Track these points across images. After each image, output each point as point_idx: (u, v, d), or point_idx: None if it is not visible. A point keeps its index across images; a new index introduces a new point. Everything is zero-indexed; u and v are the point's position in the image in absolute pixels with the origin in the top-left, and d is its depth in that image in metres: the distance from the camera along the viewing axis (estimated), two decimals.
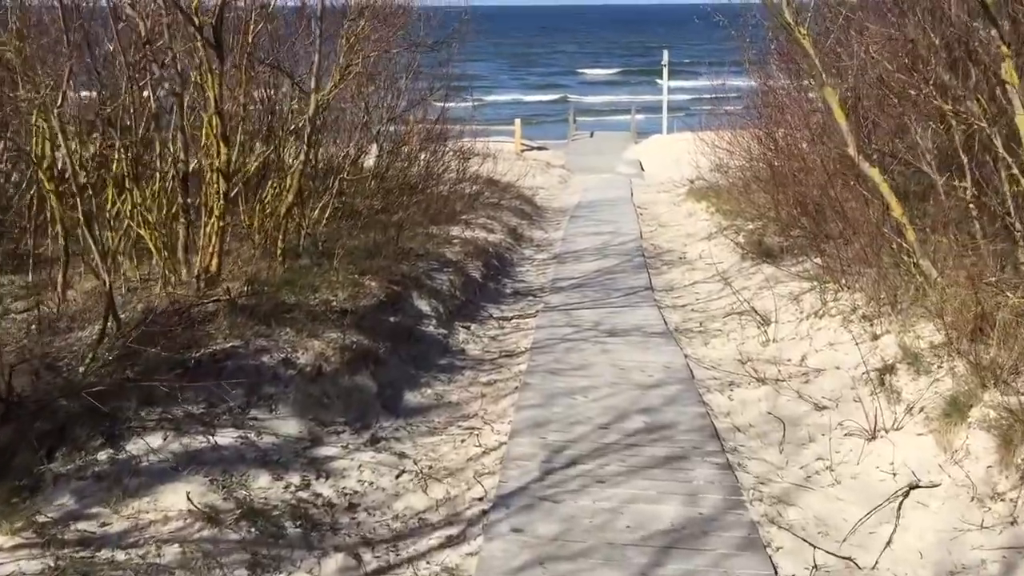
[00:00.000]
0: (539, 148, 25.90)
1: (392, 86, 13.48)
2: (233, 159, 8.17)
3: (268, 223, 8.21)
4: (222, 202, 7.05)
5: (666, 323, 9.10)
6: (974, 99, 6.97)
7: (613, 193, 19.12)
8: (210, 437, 5.03)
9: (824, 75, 7.43)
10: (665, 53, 28.31)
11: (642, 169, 23.15)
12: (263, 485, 4.80)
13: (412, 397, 6.66)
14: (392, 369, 6.83)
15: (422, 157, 14.55)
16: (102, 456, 4.65)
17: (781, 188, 12.30)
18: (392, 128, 13.63)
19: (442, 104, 15.05)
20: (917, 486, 4.99)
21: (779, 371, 7.18)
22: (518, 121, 25.45)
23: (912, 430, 5.60)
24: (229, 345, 5.97)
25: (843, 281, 8.57)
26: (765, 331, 8.29)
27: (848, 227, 9.01)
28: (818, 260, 9.49)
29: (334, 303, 7.12)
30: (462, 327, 8.61)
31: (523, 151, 24.50)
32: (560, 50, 78.47)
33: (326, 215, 10.54)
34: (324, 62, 9.68)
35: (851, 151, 7.46)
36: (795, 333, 7.99)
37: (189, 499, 4.39)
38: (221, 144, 6.91)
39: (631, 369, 7.42)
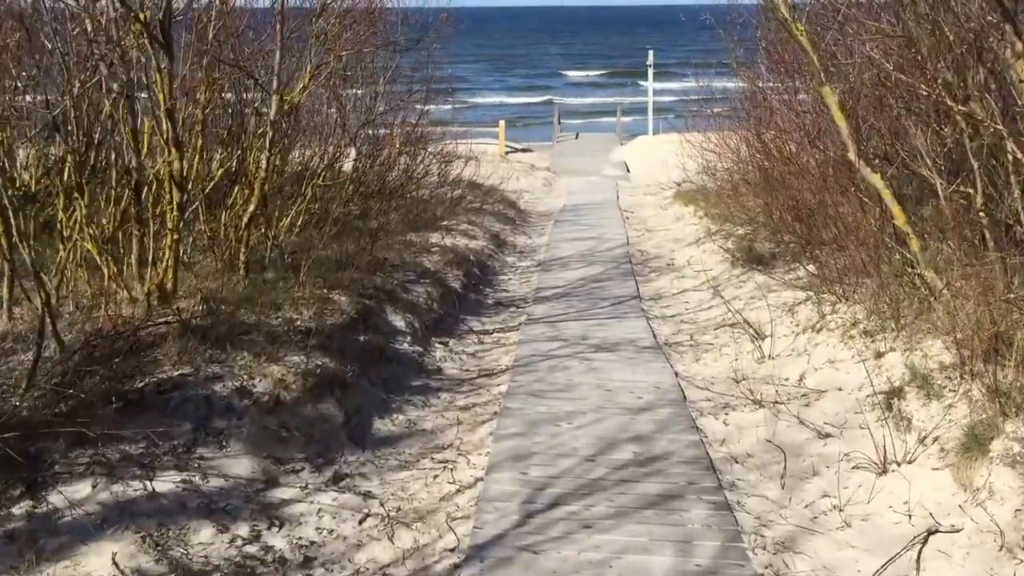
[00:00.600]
0: (523, 150, 25.31)
1: (370, 88, 12.90)
2: (194, 165, 7.57)
3: (232, 235, 7.59)
4: (176, 213, 6.43)
5: (655, 336, 8.54)
6: (980, 100, 6.45)
7: (599, 196, 18.56)
8: (147, 483, 4.42)
9: (822, 74, 6.88)
10: (650, 53, 27.79)
11: (628, 171, 22.60)
12: (205, 540, 4.20)
13: (382, 426, 6.06)
14: (361, 394, 6.23)
15: (402, 161, 13.97)
16: (18, 510, 4.04)
17: (772, 192, 11.79)
18: (371, 131, 13.06)
19: (422, 107, 14.50)
20: (936, 531, 4.44)
21: (777, 392, 6.62)
22: (502, 123, 24.85)
23: (926, 463, 5.05)
24: (177, 373, 5.36)
25: (840, 291, 8.03)
26: (759, 346, 7.73)
27: (844, 234, 8.48)
28: (811, 268, 8.96)
29: (298, 322, 6.51)
30: (439, 343, 8.01)
31: (507, 153, 23.92)
32: (544, 52, 77.81)
33: (299, 223, 9.96)
34: (295, 61, 9.10)
35: (851, 155, 6.91)
36: (792, 348, 7.44)
37: (115, 562, 3.79)
38: (173, 150, 6.29)
39: (619, 390, 6.85)
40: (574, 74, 63.46)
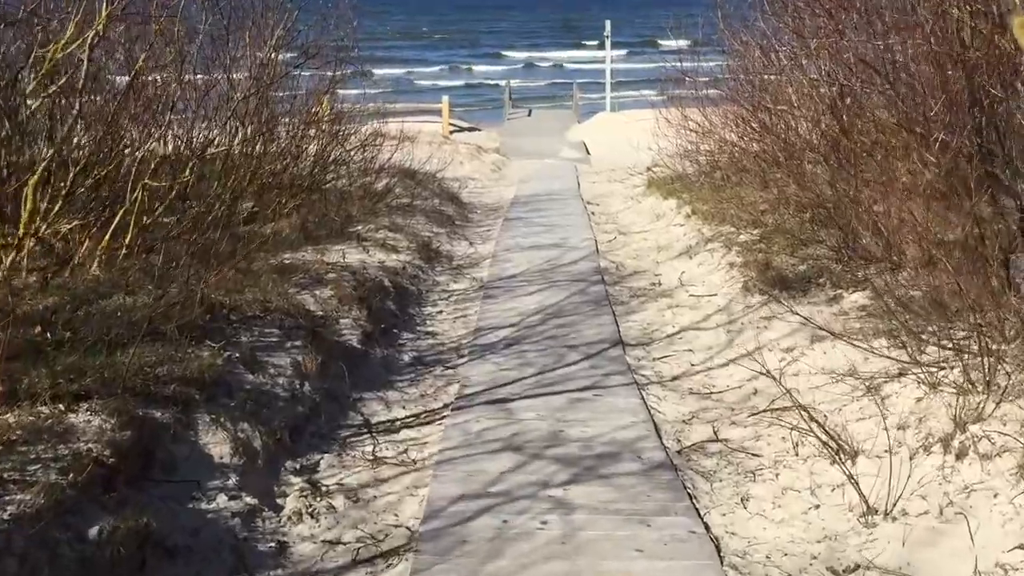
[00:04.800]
0: (470, 129, 21.42)
1: (256, 45, 9.04)
2: None
3: None
4: None
5: (659, 434, 4.94)
6: None
7: (557, 184, 14.86)
8: None
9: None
10: (607, 24, 24.10)
11: (588, 152, 18.93)
12: None
13: None
14: None
15: (310, 148, 10.17)
16: None
17: (793, 182, 8.32)
18: (264, 108, 9.21)
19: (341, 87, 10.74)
20: None
21: None
22: (446, 99, 20.88)
23: None
24: None
25: (983, 368, 4.47)
26: (852, 476, 4.14)
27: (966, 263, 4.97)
28: (885, 300, 5.48)
29: None
30: (296, 475, 4.28)
31: (452, 133, 20.04)
32: (493, 29, 72.92)
33: (124, 245, 6.25)
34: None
35: None
36: (922, 494, 3.87)
37: None
38: None
39: None
40: (523, 54, 58.98)
